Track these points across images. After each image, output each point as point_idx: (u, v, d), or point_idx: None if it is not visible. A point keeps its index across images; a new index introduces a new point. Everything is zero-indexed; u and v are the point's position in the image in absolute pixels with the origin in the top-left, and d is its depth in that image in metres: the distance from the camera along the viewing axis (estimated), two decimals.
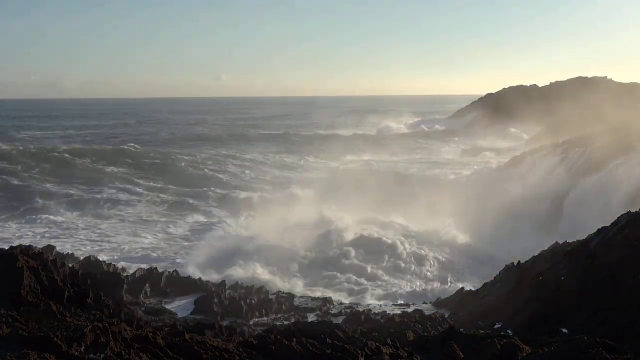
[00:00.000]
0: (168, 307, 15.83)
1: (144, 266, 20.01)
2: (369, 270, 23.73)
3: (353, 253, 25.13)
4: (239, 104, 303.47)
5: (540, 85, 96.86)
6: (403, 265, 24.74)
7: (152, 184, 46.68)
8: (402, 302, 18.60)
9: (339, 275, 22.97)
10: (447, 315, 15.23)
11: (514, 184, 35.26)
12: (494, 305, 14.57)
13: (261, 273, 22.50)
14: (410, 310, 16.26)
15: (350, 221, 28.87)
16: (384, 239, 26.77)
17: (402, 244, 26.60)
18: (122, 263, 22.68)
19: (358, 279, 22.74)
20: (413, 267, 24.76)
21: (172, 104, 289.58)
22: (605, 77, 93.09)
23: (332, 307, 17.31)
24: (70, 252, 20.92)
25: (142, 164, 53.72)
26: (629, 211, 13.79)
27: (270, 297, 17.45)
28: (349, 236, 27.10)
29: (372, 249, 25.88)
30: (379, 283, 22.77)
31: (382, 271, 23.95)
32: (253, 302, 16.42)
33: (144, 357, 7.69)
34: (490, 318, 13.85)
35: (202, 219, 35.62)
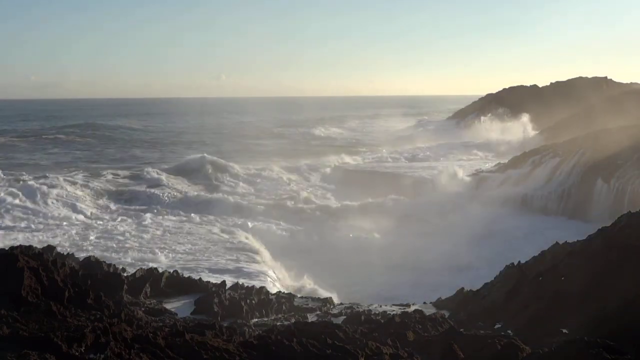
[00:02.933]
0: (168, 307, 15.78)
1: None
2: None
3: None
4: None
5: (540, 85, 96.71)
6: None
7: None
8: (402, 302, 18.59)
9: None
10: (447, 315, 15.21)
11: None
12: (494, 305, 14.56)
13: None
14: (410, 310, 16.24)
15: None
16: None
17: None
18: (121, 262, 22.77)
19: None
20: None
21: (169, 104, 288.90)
22: (605, 77, 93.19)
23: (332, 307, 17.30)
24: (70, 252, 20.87)
25: None
26: (629, 211, 13.80)
27: (270, 297, 17.43)
28: None
29: None
30: None
31: None
32: (253, 302, 16.39)
33: (144, 357, 7.69)
34: (490, 318, 13.85)
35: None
